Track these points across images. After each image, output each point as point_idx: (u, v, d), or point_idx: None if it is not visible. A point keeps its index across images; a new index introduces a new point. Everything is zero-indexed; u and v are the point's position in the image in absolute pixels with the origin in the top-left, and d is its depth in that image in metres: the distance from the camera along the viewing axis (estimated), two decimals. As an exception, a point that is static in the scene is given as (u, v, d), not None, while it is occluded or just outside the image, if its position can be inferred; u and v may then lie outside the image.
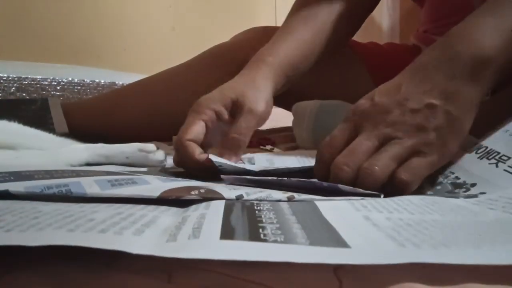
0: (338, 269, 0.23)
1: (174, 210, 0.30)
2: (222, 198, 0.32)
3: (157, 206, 0.31)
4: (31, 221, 0.24)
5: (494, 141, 0.41)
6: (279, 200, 0.32)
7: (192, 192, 0.32)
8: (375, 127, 0.39)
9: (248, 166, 0.46)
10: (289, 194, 0.33)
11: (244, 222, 0.25)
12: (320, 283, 0.22)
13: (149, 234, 0.23)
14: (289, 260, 0.20)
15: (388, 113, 0.39)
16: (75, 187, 0.31)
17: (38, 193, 0.30)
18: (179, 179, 0.40)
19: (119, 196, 0.31)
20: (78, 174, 0.36)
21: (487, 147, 0.40)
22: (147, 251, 0.20)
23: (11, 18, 1.10)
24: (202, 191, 0.32)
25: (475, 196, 0.36)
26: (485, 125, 0.56)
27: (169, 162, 0.59)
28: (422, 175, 0.38)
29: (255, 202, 0.31)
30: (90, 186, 0.32)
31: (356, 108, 0.42)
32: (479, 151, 0.41)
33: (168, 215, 0.28)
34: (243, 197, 0.32)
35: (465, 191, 0.38)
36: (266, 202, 0.31)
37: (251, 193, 0.33)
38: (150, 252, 0.20)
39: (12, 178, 0.33)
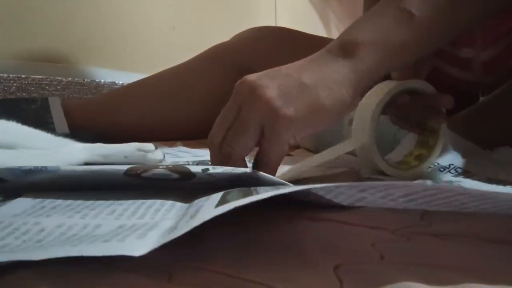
0: (338, 269, 0.23)
1: (177, 206, 0.31)
2: (189, 171, 0.33)
3: (160, 206, 0.31)
4: (35, 245, 0.24)
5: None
6: (245, 173, 0.35)
7: (160, 166, 0.34)
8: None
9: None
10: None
11: (239, 196, 0.27)
12: (320, 283, 0.22)
13: (152, 234, 0.24)
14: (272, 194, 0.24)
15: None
16: (51, 166, 0.33)
17: (17, 169, 0.33)
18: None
19: (90, 171, 0.33)
20: None
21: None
22: (150, 247, 0.21)
23: (11, 18, 1.09)
24: (170, 166, 0.34)
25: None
26: (486, 126, 0.56)
27: (169, 161, 0.60)
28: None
29: (251, 188, 0.32)
30: (65, 166, 0.34)
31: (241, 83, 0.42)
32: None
33: (169, 218, 0.28)
34: (208, 170, 0.34)
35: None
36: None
37: (217, 167, 0.35)
38: (152, 246, 0.21)
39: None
